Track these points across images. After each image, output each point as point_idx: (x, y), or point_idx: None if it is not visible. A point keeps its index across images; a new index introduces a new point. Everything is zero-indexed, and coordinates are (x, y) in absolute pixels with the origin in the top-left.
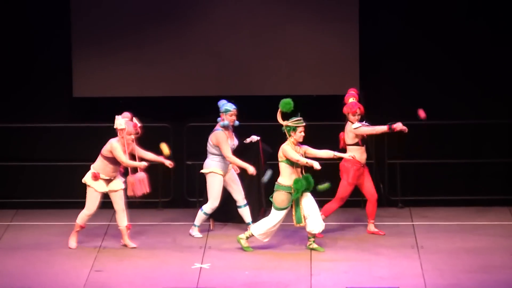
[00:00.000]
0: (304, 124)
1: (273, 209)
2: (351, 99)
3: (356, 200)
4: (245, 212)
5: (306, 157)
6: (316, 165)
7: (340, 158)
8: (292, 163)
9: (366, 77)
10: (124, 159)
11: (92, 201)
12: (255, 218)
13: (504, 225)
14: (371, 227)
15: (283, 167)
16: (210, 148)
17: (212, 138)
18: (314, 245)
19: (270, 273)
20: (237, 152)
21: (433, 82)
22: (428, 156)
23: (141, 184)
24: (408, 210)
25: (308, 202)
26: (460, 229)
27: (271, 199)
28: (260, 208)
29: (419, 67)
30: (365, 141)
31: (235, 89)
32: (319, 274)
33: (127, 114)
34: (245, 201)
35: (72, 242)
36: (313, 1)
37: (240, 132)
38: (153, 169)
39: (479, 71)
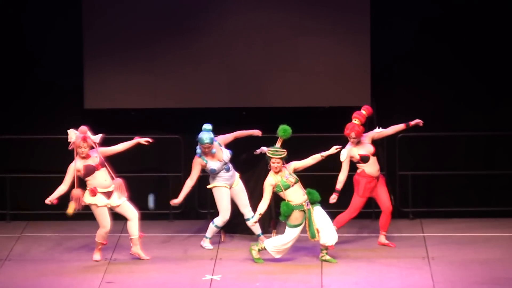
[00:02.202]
0: (280, 156)
1: (287, 227)
2: (355, 120)
3: (367, 211)
4: (254, 225)
5: (296, 172)
6: (254, 218)
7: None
8: (281, 189)
9: (377, 89)
10: (63, 182)
11: (102, 218)
12: (265, 230)
13: None
14: (382, 239)
15: (281, 194)
16: None
17: None
18: (327, 257)
19: (281, 285)
20: (247, 163)
21: (446, 93)
22: (439, 167)
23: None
24: (419, 221)
25: (319, 215)
26: (471, 240)
27: (282, 218)
28: (270, 220)
29: (431, 78)
30: (365, 158)
31: (247, 100)
32: (330, 285)
33: (82, 128)
34: (252, 213)
35: (96, 256)
36: (324, 13)
37: (252, 143)
38: (164, 182)
39: (493, 82)
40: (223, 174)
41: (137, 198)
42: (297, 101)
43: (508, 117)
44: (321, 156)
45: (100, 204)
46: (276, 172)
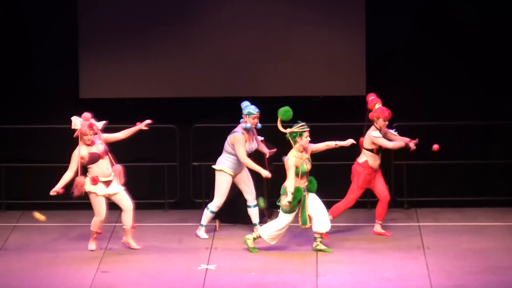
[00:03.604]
0: (308, 129)
1: (281, 212)
2: (378, 104)
3: (362, 201)
4: (254, 213)
5: (312, 155)
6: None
7: (344, 156)
8: (298, 172)
9: (372, 79)
10: (69, 169)
11: (99, 206)
12: (260, 219)
13: (511, 226)
14: (378, 228)
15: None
16: (227, 146)
17: (230, 138)
18: (322, 246)
19: (276, 274)
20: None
21: (441, 82)
22: (434, 157)
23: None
24: (414, 211)
25: (314, 202)
26: (466, 230)
27: (278, 203)
28: (263, 209)
29: (426, 68)
30: (380, 150)
31: (242, 90)
32: (325, 275)
33: (86, 115)
34: (255, 202)
35: (92, 245)
36: (320, 3)
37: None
38: (159, 171)
39: (487, 72)
40: (235, 160)
41: (132, 188)
42: (292, 91)
43: (502, 107)
44: (335, 144)
45: (99, 193)
46: (302, 151)
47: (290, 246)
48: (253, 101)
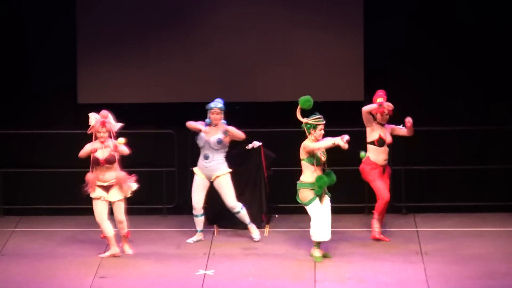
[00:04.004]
0: (324, 122)
1: (307, 208)
2: (379, 99)
3: (359, 206)
4: (243, 216)
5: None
6: (340, 142)
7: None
8: (313, 161)
9: (371, 83)
10: (81, 152)
11: (94, 209)
12: (258, 224)
13: (510, 232)
14: (376, 227)
15: (305, 165)
16: None
17: None
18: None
19: (274, 280)
20: (238, 158)
21: (439, 87)
22: (433, 162)
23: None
24: (413, 216)
25: (325, 208)
26: (465, 235)
27: (298, 200)
28: (261, 214)
29: (424, 73)
30: (382, 142)
31: (240, 95)
32: (323, 280)
33: (104, 113)
34: (239, 206)
35: (108, 251)
36: (318, 7)
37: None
38: (157, 176)
39: (486, 76)
40: (201, 160)
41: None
42: (290, 95)
43: (501, 112)
44: (333, 143)
45: (92, 196)
46: (316, 141)
47: (288, 252)
48: (251, 106)
